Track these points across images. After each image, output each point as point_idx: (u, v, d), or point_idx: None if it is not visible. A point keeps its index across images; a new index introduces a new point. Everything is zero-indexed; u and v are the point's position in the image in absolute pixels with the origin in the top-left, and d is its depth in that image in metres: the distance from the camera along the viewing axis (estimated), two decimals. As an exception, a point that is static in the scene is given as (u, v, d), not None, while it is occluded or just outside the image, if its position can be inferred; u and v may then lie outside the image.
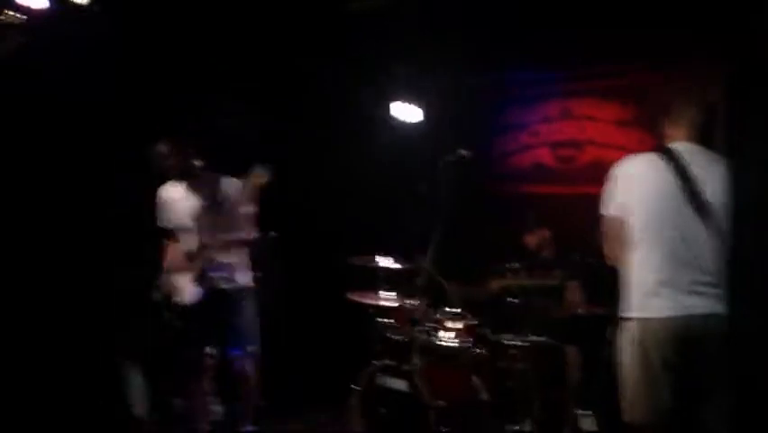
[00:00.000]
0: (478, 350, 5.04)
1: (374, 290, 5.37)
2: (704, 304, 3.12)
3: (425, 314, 5.17)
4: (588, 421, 4.75)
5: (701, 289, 3.14)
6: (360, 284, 5.53)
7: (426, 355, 4.97)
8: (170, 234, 5.00)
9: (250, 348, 4.85)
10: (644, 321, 3.23)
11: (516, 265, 5.11)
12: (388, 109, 6.93)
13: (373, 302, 5.33)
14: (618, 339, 3.35)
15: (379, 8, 5.74)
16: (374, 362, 4.97)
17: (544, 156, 6.88)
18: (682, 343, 3.15)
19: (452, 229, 4.46)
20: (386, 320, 5.29)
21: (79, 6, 5.03)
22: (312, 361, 5.85)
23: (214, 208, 4.78)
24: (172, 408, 5.52)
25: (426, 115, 6.91)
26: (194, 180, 4.87)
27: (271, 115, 6.38)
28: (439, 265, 4.85)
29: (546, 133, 6.87)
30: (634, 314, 3.27)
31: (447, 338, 5.07)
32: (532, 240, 5.72)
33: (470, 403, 4.87)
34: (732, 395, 2.89)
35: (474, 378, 4.97)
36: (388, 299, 5.35)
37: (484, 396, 4.88)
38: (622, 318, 3.34)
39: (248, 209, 4.61)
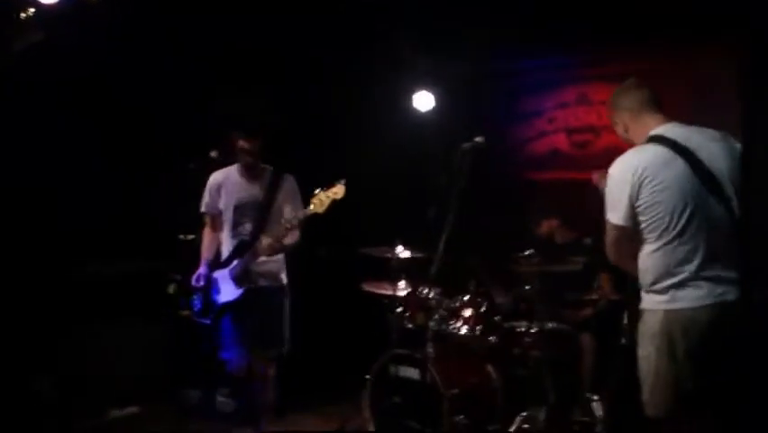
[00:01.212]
0: (491, 338, 5.03)
1: (388, 279, 5.37)
2: (734, 290, 3.03)
3: (438, 302, 5.17)
4: (599, 407, 4.73)
5: (730, 274, 3.05)
6: (374, 274, 5.54)
7: (440, 344, 5.00)
8: (213, 219, 4.90)
9: (283, 349, 4.77)
10: (672, 312, 3.12)
11: (531, 252, 5.06)
12: (404, 98, 6.92)
13: (387, 292, 5.35)
14: (640, 329, 3.26)
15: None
16: (388, 351, 4.98)
17: (561, 142, 6.81)
18: (713, 331, 3.06)
19: (467, 217, 4.43)
20: (399, 309, 5.30)
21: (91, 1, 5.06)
22: (327, 351, 5.88)
23: (271, 203, 4.73)
24: (189, 398, 5.61)
25: (442, 103, 6.88)
26: (258, 171, 4.80)
27: (286, 105, 6.41)
28: (452, 253, 4.83)
29: (563, 119, 6.80)
30: (661, 306, 3.16)
31: (460, 326, 5.07)
32: (543, 226, 5.68)
33: (483, 391, 4.87)
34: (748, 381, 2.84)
35: (488, 366, 4.97)
36: (401, 288, 5.36)
37: (498, 383, 4.88)
38: (643, 310, 3.25)
39: (300, 212, 4.51)
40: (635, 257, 3.28)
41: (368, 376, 5.00)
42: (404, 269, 5.38)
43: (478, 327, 5.05)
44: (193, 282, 4.81)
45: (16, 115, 5.18)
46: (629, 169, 3.19)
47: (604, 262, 4.52)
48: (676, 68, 5.85)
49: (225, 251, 4.80)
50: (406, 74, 6.85)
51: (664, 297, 3.14)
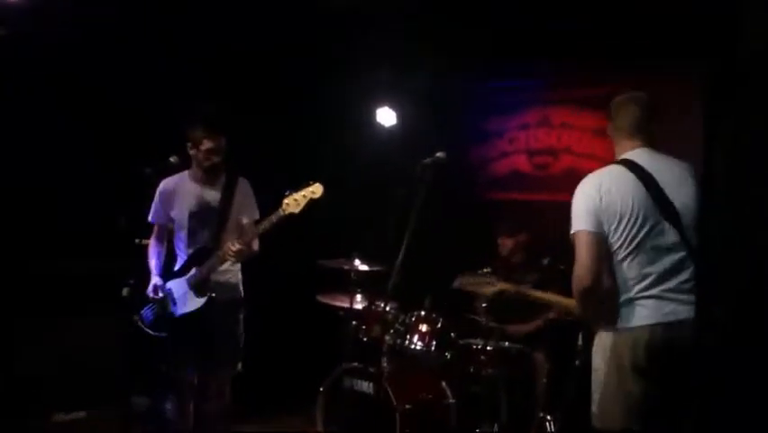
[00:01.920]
0: (446, 354, 5.03)
1: (345, 292, 5.35)
2: (680, 310, 3.14)
3: (394, 317, 5.16)
4: (552, 426, 4.74)
5: (678, 296, 3.16)
6: (331, 286, 5.51)
7: (395, 359, 4.98)
8: (161, 228, 4.71)
9: (238, 367, 4.61)
10: (621, 330, 3.23)
11: (488, 270, 5.08)
12: (366, 113, 6.93)
13: (343, 304, 5.32)
14: (594, 346, 3.35)
15: (355, 8, 5.73)
16: (342, 364, 4.95)
17: (521, 163, 6.88)
18: (659, 350, 3.16)
19: (426, 232, 4.44)
20: (355, 322, 5.27)
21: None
22: (281, 363, 5.83)
23: (228, 208, 4.56)
24: (137, 405, 5.51)
25: (405, 120, 6.91)
26: (213, 176, 4.58)
27: (249, 116, 6.37)
28: (410, 267, 4.83)
29: (524, 140, 6.87)
30: (610, 324, 3.26)
31: (416, 342, 5.06)
32: (508, 243, 5.70)
33: (437, 407, 4.86)
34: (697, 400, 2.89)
35: (442, 382, 4.96)
36: (358, 301, 5.35)
37: (451, 400, 4.87)
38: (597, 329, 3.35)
39: (274, 215, 4.34)
40: (609, 276, 3.31)
41: (321, 389, 4.97)
42: (361, 282, 5.36)
43: (433, 343, 5.05)
44: (149, 294, 4.57)
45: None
46: (593, 188, 3.31)
47: (557, 282, 4.60)
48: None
49: (180, 260, 4.62)
50: (369, 89, 6.87)
51: (614, 315, 3.24)
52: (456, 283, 4.80)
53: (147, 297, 4.59)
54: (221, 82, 6.05)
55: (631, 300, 3.22)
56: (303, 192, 4.22)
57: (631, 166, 3.30)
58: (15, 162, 5.34)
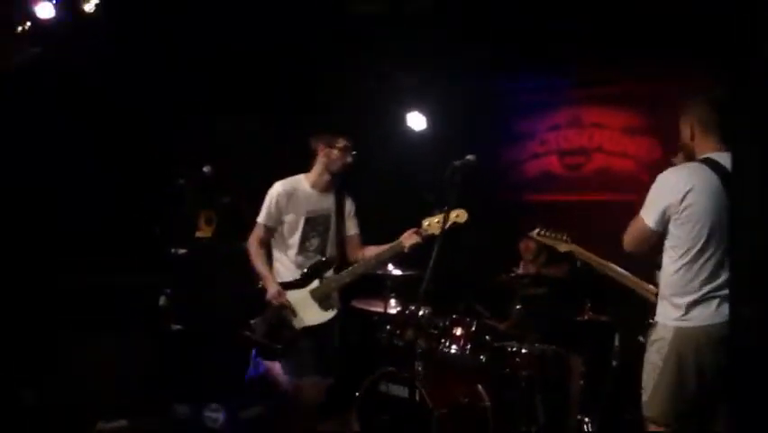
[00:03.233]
0: (481, 357, 5.03)
1: (379, 297, 5.37)
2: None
3: (428, 321, 5.18)
4: (590, 428, 4.73)
5: None
6: (365, 292, 5.53)
7: (429, 362, 4.98)
8: (268, 232, 4.51)
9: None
10: (683, 330, 3.28)
11: (519, 271, 5.09)
12: (397, 118, 6.95)
13: (378, 310, 5.34)
14: (651, 337, 3.39)
15: (384, 12, 5.76)
16: (377, 368, 4.97)
17: (553, 164, 6.86)
18: (721, 348, 3.18)
19: (457, 235, 4.45)
20: (390, 327, 5.29)
21: (87, 15, 5.07)
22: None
23: (344, 217, 4.55)
24: (178, 413, 5.58)
25: (436, 124, 6.92)
26: (330, 183, 4.54)
27: (280, 121, 6.43)
28: (443, 271, 4.84)
29: (554, 141, 6.85)
30: (673, 322, 3.31)
31: (450, 345, 5.07)
32: (531, 245, 5.69)
33: (473, 410, 4.86)
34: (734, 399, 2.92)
35: (478, 385, 4.96)
36: (392, 306, 5.36)
37: (487, 403, 4.87)
38: (656, 322, 3.39)
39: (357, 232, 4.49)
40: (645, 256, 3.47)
41: (357, 393, 4.99)
42: (395, 287, 5.38)
43: (468, 347, 5.06)
44: (271, 301, 4.37)
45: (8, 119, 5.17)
46: (677, 185, 3.33)
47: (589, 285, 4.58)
48: (668, 90, 5.91)
49: (290, 268, 4.49)
50: (402, 95, 6.89)
51: (678, 312, 3.30)
52: (533, 233, 4.70)
53: (266, 306, 4.42)
54: (244, 87, 6.10)
55: (699, 300, 3.27)
56: (446, 215, 4.02)
57: (718, 170, 3.30)
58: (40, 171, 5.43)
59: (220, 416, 5.53)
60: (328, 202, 4.54)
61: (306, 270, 4.43)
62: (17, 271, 5.26)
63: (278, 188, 4.50)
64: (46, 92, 5.43)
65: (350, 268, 4.41)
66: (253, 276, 4.53)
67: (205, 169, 5.06)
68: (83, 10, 5.15)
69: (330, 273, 4.44)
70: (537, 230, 4.58)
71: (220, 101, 6.12)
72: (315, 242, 4.48)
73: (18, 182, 5.24)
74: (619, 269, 4.03)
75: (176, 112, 5.84)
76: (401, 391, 4.80)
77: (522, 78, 6.86)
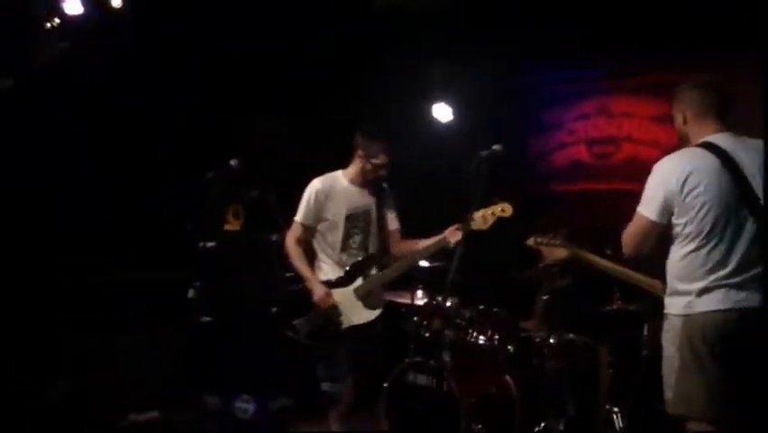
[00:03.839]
0: (509, 347, 5.01)
1: (406, 288, 5.37)
2: (755, 298, 3.12)
3: (455, 311, 5.16)
4: (620, 419, 4.68)
5: (751, 284, 3.14)
6: (392, 283, 5.53)
7: (457, 353, 4.97)
8: (307, 231, 4.47)
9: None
10: (692, 316, 3.22)
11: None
12: (424, 109, 6.93)
13: (405, 301, 5.34)
14: (663, 331, 3.35)
15: (405, 7, 5.75)
16: (405, 359, 4.97)
17: (581, 154, 6.81)
18: (731, 335, 3.15)
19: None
20: (417, 318, 5.29)
21: (114, 10, 5.12)
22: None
23: (384, 211, 4.51)
24: (208, 405, 5.63)
25: (463, 115, 6.90)
26: (372, 182, 4.48)
27: (306, 114, 6.46)
28: (469, 262, 4.83)
29: (582, 130, 6.80)
30: (682, 310, 3.26)
31: (478, 336, 5.05)
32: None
33: (501, 401, 4.84)
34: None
35: (505, 376, 4.94)
36: (419, 297, 5.36)
37: (515, 394, 4.85)
38: (667, 314, 3.34)
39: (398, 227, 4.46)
40: (651, 256, 3.40)
41: (385, 384, 5.00)
42: (422, 278, 5.37)
43: (495, 337, 5.04)
44: (320, 303, 4.35)
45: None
46: (675, 171, 3.27)
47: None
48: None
49: (333, 266, 4.47)
50: (428, 86, 6.87)
51: (686, 300, 3.24)
52: (529, 241, 4.70)
53: (313, 306, 4.39)
54: (269, 81, 6.12)
55: (705, 289, 3.20)
56: (491, 210, 4.14)
57: (714, 150, 3.25)
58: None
59: (250, 407, 5.57)
60: (368, 197, 4.49)
61: (349, 268, 4.40)
62: (51, 266, 5.35)
63: (316, 185, 4.45)
64: (75, 88, 5.50)
65: (393, 265, 4.41)
66: (290, 272, 4.54)
67: (233, 162, 5.06)
68: (111, 5, 5.21)
69: (373, 271, 4.41)
70: (533, 238, 4.56)
71: (249, 100, 6.15)
72: (357, 239, 4.45)
73: (47, 181, 5.32)
74: (622, 268, 4.00)
75: (203, 109, 5.88)
76: (429, 381, 4.79)
77: (549, 69, 6.82)
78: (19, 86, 5.23)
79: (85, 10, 5.13)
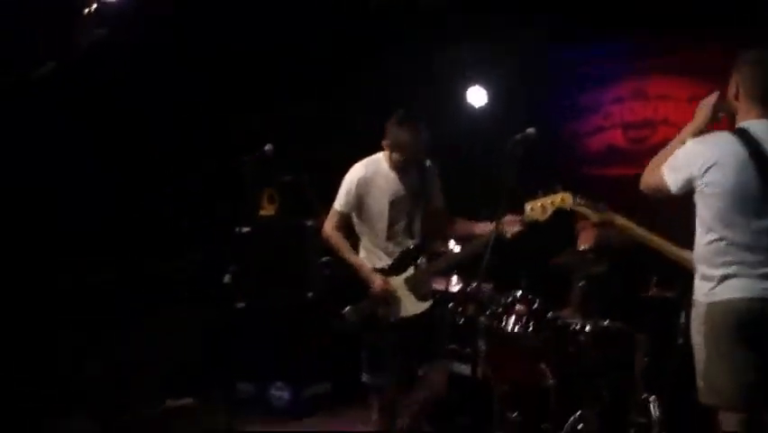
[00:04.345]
0: (544, 334, 4.98)
1: (441, 274, 5.35)
2: None
3: (490, 298, 5.14)
4: (656, 407, 4.64)
5: None
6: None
7: (491, 340, 4.95)
8: (347, 219, 4.31)
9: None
10: (713, 304, 3.17)
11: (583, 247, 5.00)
12: (457, 93, 6.89)
13: (440, 287, 5.33)
14: (692, 321, 3.29)
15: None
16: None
17: (616, 138, 6.73)
18: (755, 325, 3.10)
19: (518, 210, 4.39)
20: (452, 305, 5.28)
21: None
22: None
23: (429, 195, 4.31)
24: (242, 392, 5.69)
25: (498, 98, 6.85)
26: (409, 165, 4.23)
27: (342, 99, 6.45)
28: (504, 248, 4.79)
29: (618, 114, 6.72)
30: (705, 297, 3.21)
31: (513, 323, 5.03)
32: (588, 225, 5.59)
33: (536, 388, 4.83)
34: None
35: (540, 363, 4.91)
36: (454, 283, 5.35)
37: (550, 381, 4.82)
38: (694, 300, 3.29)
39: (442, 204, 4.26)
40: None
41: (419, 371, 4.99)
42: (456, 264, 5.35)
43: (530, 324, 5.01)
44: (377, 291, 4.16)
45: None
46: (702, 156, 3.19)
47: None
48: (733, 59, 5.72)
49: (380, 255, 4.29)
50: (463, 69, 6.83)
51: (709, 286, 3.19)
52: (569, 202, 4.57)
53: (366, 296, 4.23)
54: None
55: (728, 275, 3.14)
56: (550, 199, 3.90)
57: (746, 139, 3.15)
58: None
59: (285, 394, 5.62)
60: (410, 179, 4.27)
61: (397, 256, 4.25)
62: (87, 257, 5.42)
63: (357, 171, 4.28)
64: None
65: (446, 255, 4.38)
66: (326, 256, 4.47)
67: (267, 147, 5.07)
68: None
69: (423, 259, 4.28)
70: (576, 199, 4.36)
71: (284, 87, 6.17)
72: (402, 224, 4.26)
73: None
74: (660, 240, 3.85)
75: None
76: (463, 368, 4.79)
77: (584, 50, 6.73)
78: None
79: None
